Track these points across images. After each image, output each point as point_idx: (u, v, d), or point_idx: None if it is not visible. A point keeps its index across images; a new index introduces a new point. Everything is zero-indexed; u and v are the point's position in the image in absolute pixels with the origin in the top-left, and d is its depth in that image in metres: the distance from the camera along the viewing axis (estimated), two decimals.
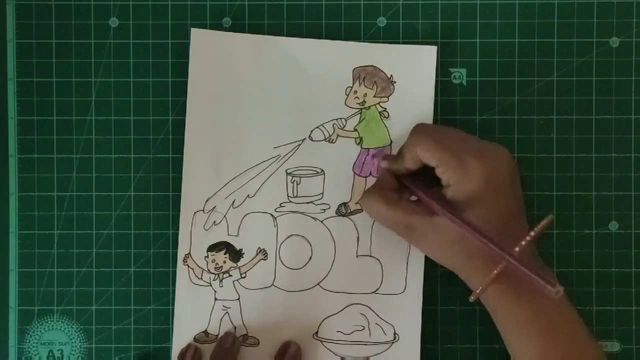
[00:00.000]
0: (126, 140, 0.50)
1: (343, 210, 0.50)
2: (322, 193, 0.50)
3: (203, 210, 0.49)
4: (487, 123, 0.50)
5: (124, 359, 0.51)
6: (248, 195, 0.49)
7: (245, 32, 0.50)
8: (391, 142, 0.49)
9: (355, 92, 0.49)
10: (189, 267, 0.49)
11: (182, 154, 0.50)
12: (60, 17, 0.50)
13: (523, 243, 0.41)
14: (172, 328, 0.50)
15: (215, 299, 0.50)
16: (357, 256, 0.50)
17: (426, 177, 0.46)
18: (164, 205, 0.50)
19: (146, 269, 0.50)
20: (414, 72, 0.49)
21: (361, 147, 0.50)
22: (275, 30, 0.50)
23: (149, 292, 0.51)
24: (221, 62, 0.49)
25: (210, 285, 0.50)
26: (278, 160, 0.49)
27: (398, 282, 0.49)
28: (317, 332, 0.49)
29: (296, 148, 0.49)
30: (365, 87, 0.49)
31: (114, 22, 0.50)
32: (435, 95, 0.50)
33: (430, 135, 0.45)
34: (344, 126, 0.49)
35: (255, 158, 0.50)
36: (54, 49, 0.50)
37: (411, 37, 0.50)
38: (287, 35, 0.50)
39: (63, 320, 0.51)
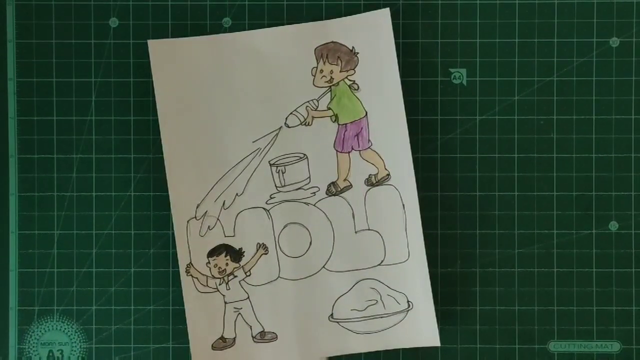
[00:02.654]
0: (126, 140, 0.50)
1: (333, 190, 0.50)
2: (309, 177, 0.50)
3: (195, 217, 0.49)
4: (487, 123, 0.50)
5: (123, 359, 0.51)
6: (237, 194, 0.49)
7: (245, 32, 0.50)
8: (366, 113, 0.49)
9: (321, 70, 0.49)
10: (192, 277, 0.49)
11: None
12: (60, 17, 0.50)
13: None
14: (189, 340, 0.49)
15: (225, 302, 0.49)
16: (355, 232, 0.49)
17: None
18: (164, 205, 0.50)
19: (146, 269, 0.50)
20: (373, 39, 0.49)
21: (338, 123, 0.49)
22: None
23: (149, 292, 0.51)
24: (183, 69, 0.49)
25: (218, 290, 0.49)
26: (259, 153, 0.49)
27: (400, 250, 0.49)
28: (332, 315, 0.49)
29: (274, 138, 0.49)
30: (330, 64, 0.49)
31: (114, 22, 0.50)
32: (435, 95, 0.50)
33: None
34: (317, 107, 0.49)
35: (236, 156, 0.49)
36: (54, 49, 0.50)
37: (411, 37, 0.50)
38: None
39: (63, 320, 0.51)
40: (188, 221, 0.49)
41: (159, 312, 0.50)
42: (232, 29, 0.50)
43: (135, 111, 0.50)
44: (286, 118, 0.49)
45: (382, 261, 0.49)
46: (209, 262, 0.49)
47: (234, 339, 0.49)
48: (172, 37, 0.50)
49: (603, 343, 0.50)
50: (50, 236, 0.51)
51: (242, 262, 0.49)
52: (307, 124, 0.49)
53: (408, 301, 0.49)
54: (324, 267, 0.49)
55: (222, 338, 0.49)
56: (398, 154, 0.49)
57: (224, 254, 0.49)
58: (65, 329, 0.51)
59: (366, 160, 0.49)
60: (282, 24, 0.50)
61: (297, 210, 0.50)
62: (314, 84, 0.49)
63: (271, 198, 0.49)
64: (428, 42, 0.50)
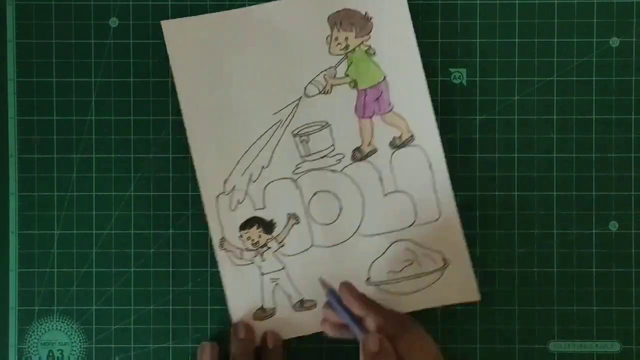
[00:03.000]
0: (126, 140, 0.50)
1: (358, 155, 0.50)
2: (333, 145, 0.50)
3: (224, 192, 0.49)
4: (487, 123, 0.50)
5: (124, 359, 0.51)
6: (262, 167, 0.50)
7: None
8: (384, 76, 0.49)
9: (336, 38, 0.49)
10: (227, 251, 0.50)
11: (182, 153, 0.50)
12: (60, 17, 0.50)
13: None
14: (229, 313, 0.50)
15: (262, 274, 0.50)
16: (384, 195, 0.50)
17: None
18: (164, 205, 0.50)
19: (146, 269, 0.50)
20: (385, 2, 0.49)
21: (357, 89, 0.50)
22: None
23: (149, 292, 0.51)
24: (199, 47, 0.49)
25: (253, 262, 0.50)
26: (281, 125, 0.50)
27: (431, 209, 0.49)
28: (368, 278, 0.49)
29: (295, 108, 0.50)
30: (344, 31, 0.49)
31: (114, 22, 0.50)
32: (436, 95, 0.50)
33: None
34: (335, 75, 0.50)
35: (259, 129, 0.50)
36: (54, 49, 0.50)
37: None
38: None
39: (63, 320, 0.51)
40: (217, 197, 0.49)
41: (159, 312, 0.50)
42: None
43: (135, 111, 0.50)
44: (305, 88, 0.49)
45: (413, 222, 0.49)
46: (241, 236, 0.50)
47: (274, 309, 0.50)
48: None
49: (603, 343, 0.50)
50: (50, 236, 0.51)
51: (274, 234, 0.50)
52: (326, 92, 0.49)
53: (444, 259, 0.49)
54: (356, 232, 0.50)
55: (261, 309, 0.50)
56: (420, 114, 0.49)
57: (255, 227, 0.50)
58: (65, 329, 0.51)
59: (388, 124, 0.49)
60: None
61: (324, 178, 0.50)
62: (329, 52, 0.49)
63: (297, 168, 0.50)
64: (428, 42, 0.50)
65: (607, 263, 0.50)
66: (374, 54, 0.49)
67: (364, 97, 0.50)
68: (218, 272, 0.50)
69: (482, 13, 0.50)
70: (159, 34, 0.50)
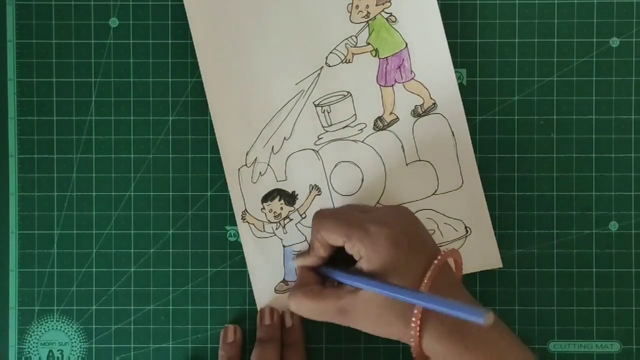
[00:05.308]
0: (126, 140, 0.50)
1: (380, 124, 0.50)
2: (355, 114, 0.50)
3: (246, 164, 0.50)
4: (487, 123, 0.50)
5: (124, 359, 0.51)
6: (284, 138, 0.49)
7: None
8: (406, 44, 0.49)
9: (357, 6, 0.49)
10: (249, 223, 0.50)
11: (182, 153, 0.50)
12: (60, 17, 0.50)
13: (425, 282, 0.41)
14: (251, 286, 0.50)
15: (284, 246, 0.50)
16: (406, 164, 0.49)
17: (346, 259, 0.45)
18: (164, 205, 0.50)
19: (146, 269, 0.50)
20: None
21: (378, 58, 0.49)
22: None
23: (149, 292, 0.51)
24: (219, 13, 0.49)
25: (275, 234, 0.50)
26: (303, 95, 0.49)
27: (454, 177, 0.49)
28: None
29: (317, 78, 0.49)
30: None
31: (114, 22, 0.50)
32: None
33: (330, 216, 0.45)
34: (356, 43, 0.49)
35: (280, 100, 0.49)
36: (54, 49, 0.50)
37: None
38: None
39: (63, 320, 0.51)
40: (239, 169, 0.50)
41: (159, 312, 0.50)
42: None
43: (135, 111, 0.50)
44: (326, 57, 0.49)
45: (435, 190, 0.49)
46: (263, 208, 0.50)
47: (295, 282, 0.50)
48: (172, 37, 0.50)
49: (603, 343, 0.50)
50: (50, 236, 0.51)
51: (296, 205, 0.50)
52: (347, 61, 0.49)
53: (466, 227, 0.49)
54: (378, 201, 0.49)
55: (284, 281, 0.50)
56: (443, 82, 0.49)
57: (277, 199, 0.50)
58: (65, 329, 0.51)
59: (410, 92, 0.49)
60: None
61: (346, 148, 0.50)
62: (350, 20, 0.49)
63: (319, 139, 0.50)
64: None
65: (607, 263, 0.50)
66: (395, 21, 0.49)
67: (386, 66, 0.49)
68: (218, 272, 0.50)
69: (482, 13, 0.50)
70: (159, 34, 0.50)
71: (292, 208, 0.50)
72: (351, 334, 0.50)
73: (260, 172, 0.50)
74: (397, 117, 0.49)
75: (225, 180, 0.50)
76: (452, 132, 0.49)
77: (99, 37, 0.50)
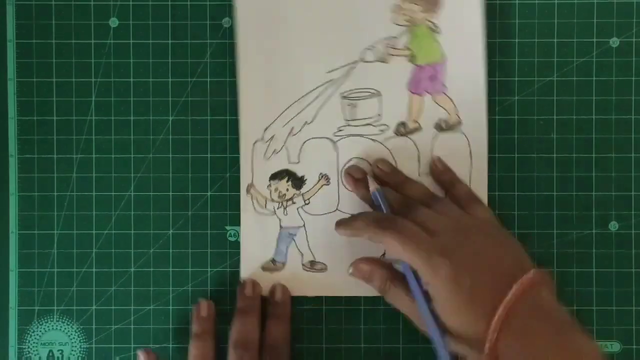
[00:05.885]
0: (126, 140, 0.50)
1: (402, 130, 0.49)
2: (380, 114, 0.49)
3: (262, 139, 0.49)
4: (488, 123, 0.50)
5: (124, 359, 0.51)
6: (306, 122, 0.49)
7: None
8: (444, 57, 0.49)
9: (403, 8, 0.49)
10: (252, 196, 0.50)
11: (182, 153, 0.50)
12: (60, 17, 0.50)
13: (494, 323, 0.40)
14: (240, 258, 0.50)
15: (281, 226, 0.50)
16: (419, 175, 0.49)
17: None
18: (164, 205, 0.50)
19: (146, 269, 0.50)
20: None
21: (414, 64, 0.49)
22: None
23: (149, 292, 0.51)
24: None
25: (275, 213, 0.50)
26: (332, 84, 0.49)
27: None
28: (384, 254, 0.49)
29: (349, 71, 0.49)
30: (412, 2, 0.49)
31: (114, 22, 0.50)
32: None
33: (398, 237, 0.43)
34: (395, 45, 0.49)
35: (310, 84, 0.49)
36: (54, 49, 0.50)
37: None
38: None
39: (63, 320, 0.51)
40: (254, 143, 0.49)
41: (159, 312, 0.50)
42: (233, 28, 0.50)
43: (135, 111, 0.50)
44: (363, 53, 0.49)
45: None
46: (270, 185, 0.50)
47: (284, 263, 0.50)
48: (172, 37, 0.50)
49: (603, 343, 0.50)
50: (50, 236, 0.51)
51: (302, 190, 0.50)
52: (383, 60, 0.49)
53: None
54: None
55: (272, 260, 0.50)
56: (472, 102, 0.49)
57: (285, 179, 0.50)
58: (65, 329, 0.51)
59: (438, 105, 0.49)
60: None
61: (363, 145, 0.49)
62: (393, 22, 0.49)
63: (339, 130, 0.50)
64: None
65: (607, 263, 0.50)
66: (439, 32, 0.49)
67: (420, 73, 0.49)
68: (218, 272, 0.50)
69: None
70: (159, 34, 0.50)
71: (297, 192, 0.50)
72: (351, 334, 0.50)
73: (275, 150, 0.49)
74: (420, 127, 0.49)
75: (225, 180, 0.50)
76: (470, 153, 0.49)
77: (99, 37, 0.50)
